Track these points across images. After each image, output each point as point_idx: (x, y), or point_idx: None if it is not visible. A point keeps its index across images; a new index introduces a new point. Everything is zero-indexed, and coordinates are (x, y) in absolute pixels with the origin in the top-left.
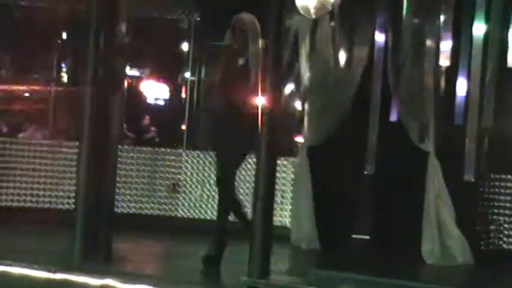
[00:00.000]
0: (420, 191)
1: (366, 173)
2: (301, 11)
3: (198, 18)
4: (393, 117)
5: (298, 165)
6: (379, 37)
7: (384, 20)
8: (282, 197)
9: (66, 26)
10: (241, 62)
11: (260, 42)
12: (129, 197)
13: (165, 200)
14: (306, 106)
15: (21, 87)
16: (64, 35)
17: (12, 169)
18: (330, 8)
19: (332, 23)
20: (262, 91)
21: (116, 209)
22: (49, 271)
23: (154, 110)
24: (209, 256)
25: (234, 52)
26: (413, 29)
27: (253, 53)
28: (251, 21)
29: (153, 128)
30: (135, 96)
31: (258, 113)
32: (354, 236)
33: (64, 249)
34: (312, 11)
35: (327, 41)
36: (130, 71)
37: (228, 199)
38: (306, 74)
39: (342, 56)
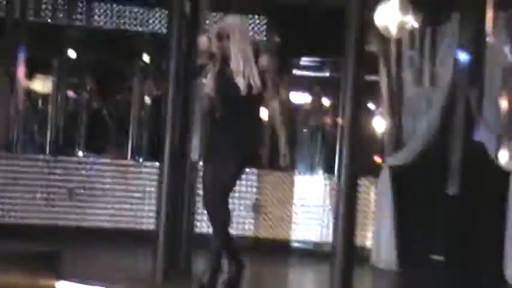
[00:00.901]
0: (502, 211)
1: (449, 193)
2: (382, 31)
3: (278, 39)
4: (476, 137)
5: (380, 186)
6: (462, 57)
7: (466, 40)
8: (364, 217)
9: (149, 48)
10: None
11: (245, 44)
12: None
13: (244, 220)
14: (387, 126)
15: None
16: (145, 57)
17: (94, 189)
18: (410, 27)
19: (413, 43)
20: (265, 99)
21: (195, 229)
22: None
23: None
24: (202, 285)
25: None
26: (495, 49)
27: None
28: (235, 25)
29: None
30: None
31: (259, 120)
32: (433, 256)
33: (146, 269)
34: (393, 30)
35: (408, 61)
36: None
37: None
38: (385, 95)
39: (423, 77)
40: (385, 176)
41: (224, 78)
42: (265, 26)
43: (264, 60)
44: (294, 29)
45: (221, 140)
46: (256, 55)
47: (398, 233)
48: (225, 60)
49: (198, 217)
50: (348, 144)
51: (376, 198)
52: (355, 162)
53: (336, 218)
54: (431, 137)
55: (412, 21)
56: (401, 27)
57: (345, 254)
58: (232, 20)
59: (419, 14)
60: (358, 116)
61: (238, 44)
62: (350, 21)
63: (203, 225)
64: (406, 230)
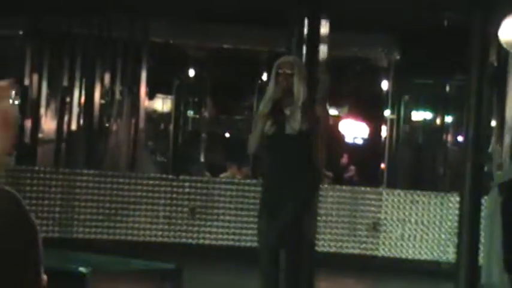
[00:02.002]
0: None
1: None
2: (505, 46)
3: (398, 57)
4: None
5: (490, 203)
6: None
7: None
8: None
9: (268, 67)
10: (288, 112)
11: (303, 86)
12: (329, 236)
13: (365, 239)
14: (498, 141)
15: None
16: (264, 76)
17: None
18: None
19: None
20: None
21: (316, 248)
22: None
23: (353, 149)
24: None
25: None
26: None
27: (298, 98)
28: (297, 64)
29: (351, 167)
30: (333, 134)
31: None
32: None
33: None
34: None
35: None
36: (329, 110)
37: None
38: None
39: None
40: (494, 192)
41: (280, 117)
42: (385, 44)
43: (320, 110)
44: (414, 47)
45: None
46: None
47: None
48: (283, 97)
49: (319, 236)
50: (471, 162)
51: (485, 215)
52: (479, 180)
53: (459, 236)
54: None
55: None
56: None
57: (468, 273)
58: (293, 59)
59: None
60: (482, 134)
61: (299, 82)
62: (473, 38)
63: (324, 244)
64: None
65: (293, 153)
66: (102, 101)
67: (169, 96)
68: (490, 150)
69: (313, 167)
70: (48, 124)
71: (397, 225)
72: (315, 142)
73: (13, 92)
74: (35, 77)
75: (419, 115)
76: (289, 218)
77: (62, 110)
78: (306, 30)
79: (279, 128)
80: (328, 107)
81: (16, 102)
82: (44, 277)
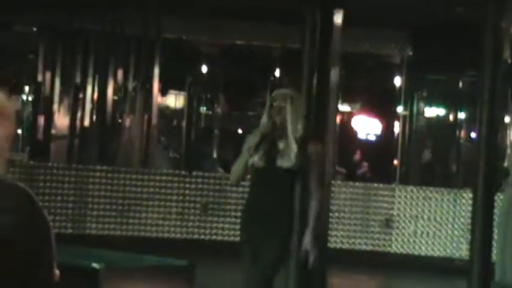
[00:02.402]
0: None
1: None
2: None
3: (411, 53)
4: None
5: (504, 200)
6: None
7: None
8: None
9: (280, 63)
10: (282, 145)
11: (300, 123)
12: (342, 232)
13: (378, 236)
14: None
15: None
16: (277, 72)
17: (227, 204)
18: None
19: None
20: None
21: (329, 244)
22: None
23: (365, 145)
24: None
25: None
26: None
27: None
28: (291, 96)
29: (364, 163)
30: (346, 131)
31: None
32: None
33: (280, 285)
34: None
35: None
36: (341, 106)
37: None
38: None
39: None
40: (509, 189)
41: (272, 151)
42: (398, 39)
43: (313, 149)
44: (428, 43)
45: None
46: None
47: None
48: (277, 130)
49: (332, 232)
50: (484, 158)
51: (499, 213)
52: (492, 176)
53: (472, 233)
54: None
55: None
56: None
57: (482, 269)
58: (288, 91)
59: None
60: (495, 131)
61: (293, 115)
62: (486, 34)
63: (336, 240)
64: None
65: (279, 187)
66: (115, 97)
67: (182, 93)
68: (505, 164)
69: (292, 208)
70: (61, 120)
71: (410, 222)
72: (308, 178)
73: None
74: (48, 74)
75: (432, 111)
76: (273, 257)
77: (75, 107)
78: (319, 26)
79: (269, 161)
80: (318, 146)
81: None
82: (57, 273)
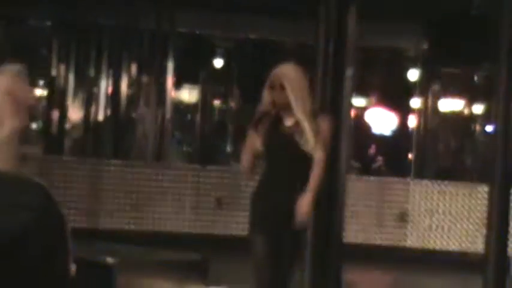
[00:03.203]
0: None
1: None
2: None
3: (427, 47)
4: None
5: None
6: None
7: None
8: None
9: (295, 57)
10: (289, 122)
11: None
12: (356, 226)
13: (393, 230)
14: None
15: None
16: None
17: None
18: None
19: None
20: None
21: (343, 239)
22: None
23: (380, 139)
24: None
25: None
26: None
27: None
28: (290, 75)
29: (379, 157)
30: (361, 125)
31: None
32: None
33: (295, 280)
34: None
35: None
36: (356, 100)
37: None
38: None
39: None
40: None
41: (276, 132)
42: (414, 33)
43: (325, 124)
44: (444, 36)
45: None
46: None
47: None
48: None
49: (346, 227)
50: (500, 152)
51: None
52: (508, 170)
53: (488, 227)
54: None
55: None
56: None
57: (498, 264)
58: (286, 69)
59: None
60: (510, 124)
61: (292, 93)
62: (502, 27)
63: (351, 235)
64: None
65: (295, 175)
66: (129, 92)
67: (196, 87)
68: None
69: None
70: (75, 114)
71: (425, 216)
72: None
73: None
74: (63, 68)
75: (447, 105)
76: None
77: (89, 100)
78: (333, 21)
79: (280, 145)
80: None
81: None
82: (73, 267)
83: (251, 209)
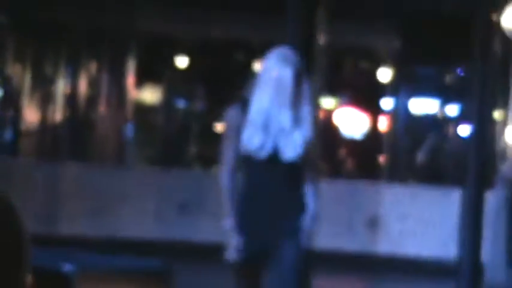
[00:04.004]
0: None
1: None
2: (508, 35)
3: (398, 46)
4: None
5: (495, 198)
6: None
7: None
8: None
9: (261, 55)
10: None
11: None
12: (325, 232)
13: (363, 235)
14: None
15: None
16: (257, 65)
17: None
18: None
19: None
20: None
21: (313, 245)
22: None
23: (350, 141)
24: None
25: None
26: None
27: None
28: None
29: (349, 160)
30: (330, 126)
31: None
32: None
33: None
34: None
35: None
36: (325, 100)
37: None
38: None
39: None
40: (501, 187)
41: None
42: (386, 33)
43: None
44: (416, 36)
45: None
46: None
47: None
48: None
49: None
50: (474, 155)
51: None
52: (482, 173)
53: (461, 232)
54: None
55: None
56: None
57: (471, 270)
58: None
59: None
60: (485, 126)
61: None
62: (476, 26)
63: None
64: None
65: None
66: (88, 91)
67: (159, 86)
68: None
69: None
70: (32, 115)
71: (397, 221)
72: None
73: None
74: (19, 67)
75: (420, 105)
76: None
77: (46, 101)
78: (302, 18)
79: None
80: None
81: None
82: (30, 277)
83: (237, 211)
